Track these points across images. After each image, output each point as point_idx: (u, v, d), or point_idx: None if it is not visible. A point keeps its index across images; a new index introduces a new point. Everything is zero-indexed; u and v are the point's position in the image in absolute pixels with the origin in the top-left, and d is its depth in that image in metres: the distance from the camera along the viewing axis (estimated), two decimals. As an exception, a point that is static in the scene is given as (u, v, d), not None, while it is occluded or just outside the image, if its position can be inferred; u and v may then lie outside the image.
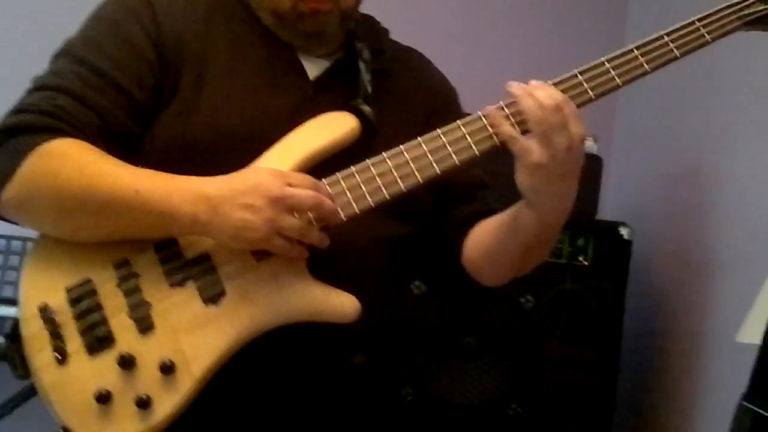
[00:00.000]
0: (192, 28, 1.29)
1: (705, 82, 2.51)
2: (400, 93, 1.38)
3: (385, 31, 1.45)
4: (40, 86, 1.23)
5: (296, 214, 1.15)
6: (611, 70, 1.23)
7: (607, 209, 2.99)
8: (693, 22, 1.27)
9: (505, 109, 1.20)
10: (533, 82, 1.20)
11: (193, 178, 1.16)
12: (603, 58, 1.24)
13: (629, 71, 1.24)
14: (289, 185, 1.14)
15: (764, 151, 2.08)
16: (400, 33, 1.48)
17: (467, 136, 1.22)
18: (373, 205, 1.20)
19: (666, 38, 1.26)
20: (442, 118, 1.28)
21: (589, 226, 2.49)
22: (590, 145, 2.56)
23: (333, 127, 1.25)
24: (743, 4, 1.28)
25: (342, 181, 1.20)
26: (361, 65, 1.33)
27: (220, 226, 1.13)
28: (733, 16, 1.28)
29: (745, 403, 1.47)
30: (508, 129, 1.19)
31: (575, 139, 1.17)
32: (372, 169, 1.21)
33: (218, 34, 1.30)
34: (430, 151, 1.22)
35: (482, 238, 1.36)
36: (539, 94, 1.17)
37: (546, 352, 2.43)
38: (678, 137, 2.74)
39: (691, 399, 2.40)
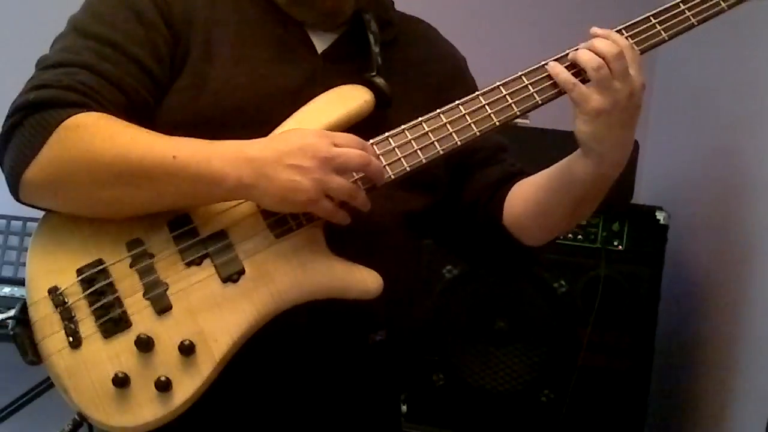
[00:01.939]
0: (200, 2, 1.27)
1: (741, 63, 2.47)
2: (409, 64, 1.37)
3: (391, 2, 1.44)
4: (55, 63, 1.19)
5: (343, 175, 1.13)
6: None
7: (642, 193, 2.95)
8: None
9: (564, 60, 1.22)
10: (595, 29, 1.22)
11: (232, 141, 1.13)
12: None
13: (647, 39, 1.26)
14: (336, 145, 1.12)
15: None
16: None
17: (530, 86, 1.22)
18: (424, 161, 1.19)
19: (683, 6, 1.26)
20: (454, 87, 1.30)
21: (624, 210, 2.46)
22: (626, 128, 2.52)
23: (347, 99, 1.23)
24: None
25: (391, 140, 1.19)
26: (371, 37, 1.31)
27: (266, 188, 1.10)
28: None
29: (783, 392, 1.44)
30: (567, 76, 1.20)
31: (636, 86, 1.18)
32: (425, 125, 1.20)
33: (226, 10, 1.28)
34: (489, 104, 1.22)
35: (529, 195, 1.35)
36: (598, 44, 1.19)
37: (579, 337, 2.40)
38: (714, 119, 2.70)
39: (728, 387, 2.36)
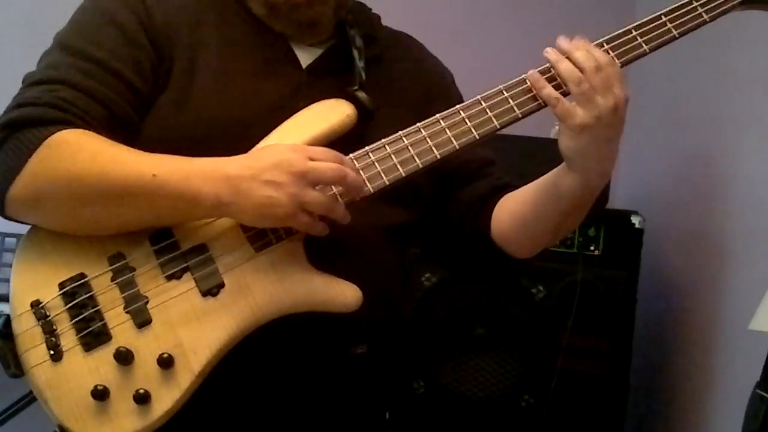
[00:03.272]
0: (182, 16, 1.27)
1: (715, 69, 2.50)
2: (394, 79, 1.37)
3: (377, 18, 1.43)
4: (38, 80, 1.20)
5: (320, 189, 1.13)
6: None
7: (618, 198, 2.98)
8: (690, 2, 1.26)
9: (549, 72, 1.21)
10: (575, 42, 1.21)
11: (210, 159, 1.14)
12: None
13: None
14: (312, 159, 1.12)
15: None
16: (402, 28, 1.47)
17: (509, 99, 1.22)
18: (404, 174, 1.19)
19: (664, 18, 1.25)
20: (439, 102, 1.29)
21: (600, 215, 2.48)
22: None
23: (329, 114, 1.23)
24: None
25: (371, 154, 1.19)
26: (355, 53, 1.31)
27: (243, 204, 1.11)
28: None
29: (759, 392, 1.46)
30: (550, 91, 1.20)
31: (620, 100, 1.18)
32: (404, 139, 1.20)
33: (209, 23, 1.28)
34: (468, 117, 1.21)
35: (515, 209, 1.35)
36: (578, 56, 1.18)
37: (558, 342, 2.42)
38: (688, 125, 2.73)
39: (705, 388, 2.39)
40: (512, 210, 1.35)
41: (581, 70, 1.17)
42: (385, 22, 1.45)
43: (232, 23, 1.30)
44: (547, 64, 1.22)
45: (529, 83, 1.22)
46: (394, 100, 1.34)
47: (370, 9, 1.43)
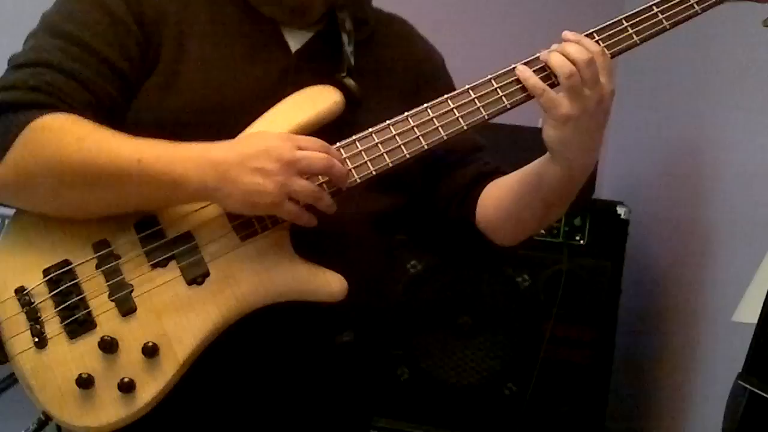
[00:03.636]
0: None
1: (701, 59, 2.50)
2: (384, 64, 1.36)
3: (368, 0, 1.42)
4: (23, 63, 1.19)
5: (308, 178, 1.13)
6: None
7: (604, 188, 2.99)
8: None
9: (534, 63, 1.21)
10: (567, 34, 1.21)
11: (196, 144, 1.13)
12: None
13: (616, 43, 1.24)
14: (300, 148, 1.12)
15: (761, 129, 2.07)
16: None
17: (498, 89, 1.22)
18: (391, 164, 1.19)
19: (655, 9, 1.25)
20: (430, 87, 1.29)
21: (585, 205, 2.48)
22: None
23: (316, 100, 1.23)
24: None
25: (358, 143, 1.19)
26: (344, 37, 1.30)
27: (229, 191, 1.11)
28: None
29: (740, 382, 1.47)
30: (535, 81, 1.19)
31: (606, 92, 1.18)
32: (392, 128, 1.20)
33: (197, 6, 1.27)
34: (456, 107, 1.21)
35: (500, 196, 1.35)
36: (570, 50, 1.18)
37: (542, 331, 2.43)
38: (674, 115, 2.74)
39: (688, 378, 2.40)
40: (496, 198, 1.36)
41: (573, 62, 1.17)
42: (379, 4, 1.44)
43: (221, 6, 1.29)
44: (535, 55, 1.22)
45: (517, 74, 1.21)
46: (382, 85, 1.33)
47: None
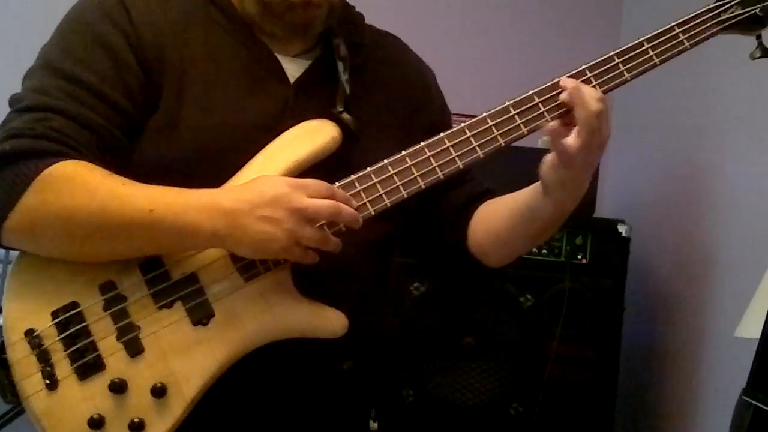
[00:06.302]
0: (169, 32, 1.26)
1: (701, 79, 2.51)
2: (379, 87, 1.37)
3: (360, 17, 1.43)
4: (27, 107, 1.18)
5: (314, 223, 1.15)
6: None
7: (605, 207, 3.00)
8: (672, 28, 1.27)
9: (547, 92, 1.22)
10: (566, 81, 1.21)
11: (206, 191, 1.15)
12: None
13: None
14: (308, 195, 1.14)
15: (761, 147, 2.09)
16: (396, 33, 1.48)
17: (493, 127, 1.23)
18: (389, 204, 1.21)
19: (646, 45, 1.26)
20: (423, 108, 1.33)
21: (587, 224, 2.50)
22: (587, 144, 2.56)
23: (314, 136, 1.24)
24: (721, 9, 1.28)
25: (356, 183, 1.21)
26: (339, 65, 1.31)
27: (240, 238, 1.13)
28: (711, 21, 1.27)
29: (745, 398, 1.47)
30: (561, 131, 1.18)
31: (605, 137, 1.19)
32: (390, 167, 1.21)
33: (195, 39, 1.27)
34: (453, 146, 1.23)
35: (492, 223, 1.37)
36: (593, 106, 1.17)
37: (546, 350, 2.43)
38: (675, 134, 2.75)
39: (692, 395, 2.40)
40: (487, 226, 1.38)
41: (596, 117, 1.17)
42: (374, 22, 1.45)
43: (218, 37, 1.29)
44: (559, 92, 1.22)
45: (546, 129, 1.20)
46: (378, 110, 1.35)
47: (353, 7, 1.43)
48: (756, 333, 1.52)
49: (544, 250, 2.48)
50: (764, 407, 1.44)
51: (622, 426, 2.66)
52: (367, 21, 1.44)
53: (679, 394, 2.49)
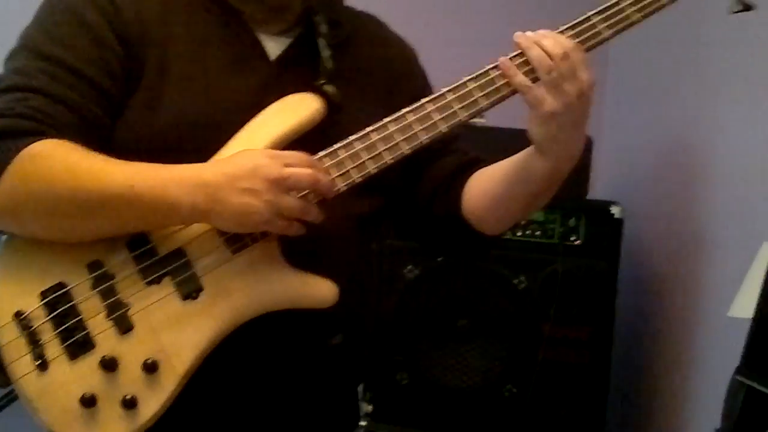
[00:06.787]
0: (151, 13, 1.26)
1: (694, 60, 2.52)
2: (360, 64, 1.37)
3: None
4: (6, 88, 1.19)
5: (294, 193, 1.15)
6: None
7: (597, 189, 2.99)
8: None
9: (515, 59, 1.22)
10: (540, 31, 1.22)
11: (187, 165, 1.15)
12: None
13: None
14: (286, 165, 1.14)
15: (753, 128, 2.09)
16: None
17: (476, 89, 1.23)
18: (374, 171, 1.21)
19: (623, 3, 1.25)
20: (406, 83, 1.34)
21: (580, 206, 2.51)
22: (579, 125, 2.56)
23: (297, 109, 1.24)
24: None
25: (340, 151, 1.21)
26: (320, 41, 1.31)
27: (220, 212, 1.13)
28: None
29: (738, 378, 1.48)
30: (521, 78, 1.21)
31: (585, 85, 1.19)
32: (373, 134, 1.21)
33: (177, 19, 1.27)
34: (436, 109, 1.23)
35: (486, 188, 1.37)
36: (546, 43, 1.20)
37: (540, 332, 2.44)
38: (667, 115, 2.75)
39: (685, 375, 2.41)
40: (483, 190, 1.37)
41: (549, 57, 1.19)
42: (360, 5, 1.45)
43: (199, 17, 1.29)
44: (516, 52, 1.23)
45: (499, 70, 1.22)
46: (360, 87, 1.35)
47: None
48: (749, 312, 1.53)
49: (538, 232, 2.49)
50: (757, 387, 1.44)
51: (616, 407, 2.67)
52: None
53: (673, 374, 2.51)
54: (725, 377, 1.53)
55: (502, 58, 1.23)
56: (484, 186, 1.37)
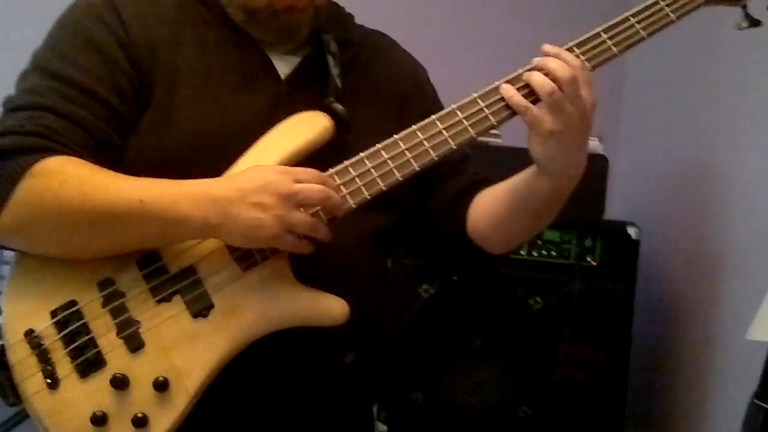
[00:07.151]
0: (160, 32, 1.27)
1: (710, 80, 2.51)
2: (370, 82, 1.38)
3: (350, 17, 1.44)
4: (18, 107, 1.20)
5: (304, 209, 1.15)
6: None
7: (614, 209, 2.99)
8: (657, 2, 1.28)
9: (518, 80, 1.23)
10: (547, 48, 1.22)
11: (196, 181, 1.16)
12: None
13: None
14: (296, 181, 1.14)
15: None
16: (394, 31, 1.49)
17: (484, 108, 1.23)
18: (384, 188, 1.21)
19: (632, 19, 1.27)
20: (415, 103, 1.34)
21: (596, 226, 2.50)
22: (596, 145, 2.56)
23: (306, 127, 1.24)
24: None
25: (350, 169, 1.21)
26: (330, 60, 1.32)
27: (230, 227, 1.13)
28: None
29: (756, 402, 1.47)
30: (519, 99, 1.21)
31: (587, 107, 1.20)
32: (383, 152, 1.22)
33: (186, 37, 1.28)
34: (445, 128, 1.23)
35: (490, 207, 1.37)
36: (551, 65, 1.20)
37: (555, 353, 2.43)
38: (683, 135, 2.74)
39: (702, 398, 2.39)
40: (486, 209, 1.38)
41: (554, 79, 1.19)
42: (367, 21, 1.46)
43: (209, 35, 1.30)
44: (518, 72, 1.24)
45: (501, 92, 1.23)
46: (370, 105, 1.35)
47: (343, 8, 1.44)
48: (767, 336, 1.51)
49: (554, 253, 2.48)
50: (776, 411, 1.43)
51: (632, 429, 2.65)
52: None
53: (690, 397, 2.48)
54: (743, 401, 1.51)
55: (502, 82, 1.24)
56: (488, 205, 1.38)
